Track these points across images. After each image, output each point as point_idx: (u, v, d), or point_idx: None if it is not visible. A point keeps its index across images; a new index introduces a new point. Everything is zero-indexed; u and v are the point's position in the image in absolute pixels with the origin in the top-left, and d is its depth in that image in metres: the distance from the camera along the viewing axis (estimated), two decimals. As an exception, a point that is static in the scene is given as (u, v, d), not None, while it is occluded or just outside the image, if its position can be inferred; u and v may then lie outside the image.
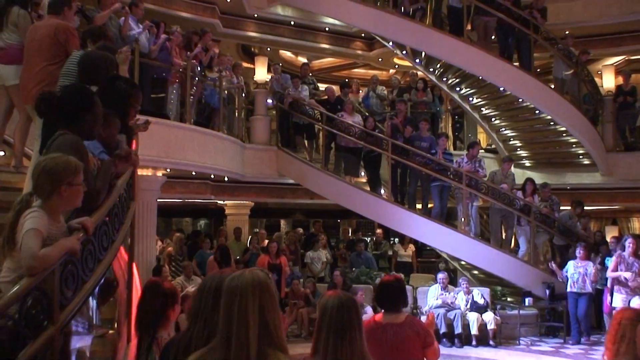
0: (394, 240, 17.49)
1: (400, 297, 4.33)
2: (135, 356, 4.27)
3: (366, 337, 3.08)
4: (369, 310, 10.82)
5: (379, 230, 16.49)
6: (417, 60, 14.90)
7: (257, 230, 17.59)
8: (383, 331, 4.17)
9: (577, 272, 11.45)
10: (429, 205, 13.17)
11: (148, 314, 4.18)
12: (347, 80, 16.64)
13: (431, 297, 11.75)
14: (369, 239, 17.43)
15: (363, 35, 17.28)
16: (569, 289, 11.54)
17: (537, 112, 13.94)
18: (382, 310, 4.37)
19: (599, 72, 16.21)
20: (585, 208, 13.94)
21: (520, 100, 13.87)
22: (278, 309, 2.44)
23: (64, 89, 4.38)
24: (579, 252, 11.60)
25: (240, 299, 2.33)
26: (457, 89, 15.15)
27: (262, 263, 11.86)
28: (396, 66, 19.19)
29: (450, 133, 16.82)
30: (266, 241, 14.89)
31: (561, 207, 13.37)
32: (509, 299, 12.78)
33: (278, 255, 12.29)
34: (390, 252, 15.56)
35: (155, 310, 4.18)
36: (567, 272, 11.59)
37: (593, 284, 11.46)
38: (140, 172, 9.99)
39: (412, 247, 15.58)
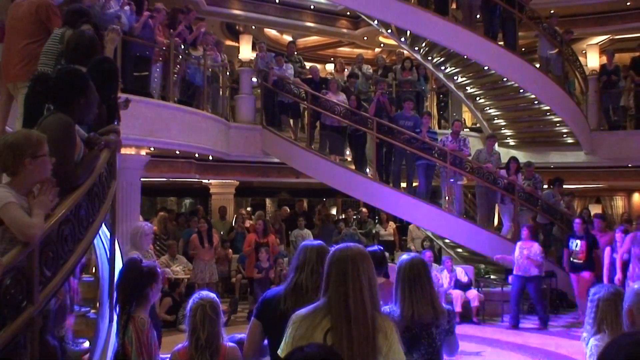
0: (379, 218, 17.54)
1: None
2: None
3: None
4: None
5: (363, 210, 16.53)
6: (402, 39, 14.85)
7: (242, 210, 17.59)
8: None
9: (521, 254, 11.08)
10: (414, 184, 13.20)
11: (125, 292, 4.19)
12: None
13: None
14: (355, 217, 17.45)
15: (348, 13, 17.23)
16: (514, 272, 11.22)
17: (521, 91, 13.98)
18: None
19: (584, 52, 16.26)
20: (569, 186, 14.02)
21: (505, 79, 13.90)
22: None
23: (60, 72, 4.33)
24: (523, 232, 11.29)
25: (353, 265, 2.86)
26: (442, 67, 15.13)
27: (250, 242, 11.79)
28: (381, 45, 19.14)
29: (435, 112, 16.82)
30: (247, 222, 14.91)
31: (544, 186, 13.43)
32: (492, 277, 12.87)
33: (265, 233, 12.17)
34: (374, 231, 15.61)
35: (133, 289, 4.19)
36: (513, 253, 11.26)
37: (538, 267, 11.00)
38: (123, 151, 9.93)
39: (392, 224, 15.64)
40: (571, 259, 11.27)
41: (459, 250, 13.39)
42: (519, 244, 11.24)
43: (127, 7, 9.77)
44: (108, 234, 5.21)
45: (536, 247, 11.04)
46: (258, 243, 11.73)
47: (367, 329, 2.79)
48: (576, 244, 11.22)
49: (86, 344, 4.70)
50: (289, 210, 16.77)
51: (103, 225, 5.09)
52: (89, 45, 5.00)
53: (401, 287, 3.80)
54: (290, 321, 2.94)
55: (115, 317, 4.72)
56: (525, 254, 10.98)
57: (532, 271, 10.99)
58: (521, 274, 11.06)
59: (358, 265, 2.88)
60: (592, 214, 13.76)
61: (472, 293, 11.50)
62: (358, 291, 2.82)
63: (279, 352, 2.94)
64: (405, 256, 3.93)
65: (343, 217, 16.72)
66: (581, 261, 11.12)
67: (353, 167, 13.16)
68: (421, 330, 3.70)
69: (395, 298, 3.83)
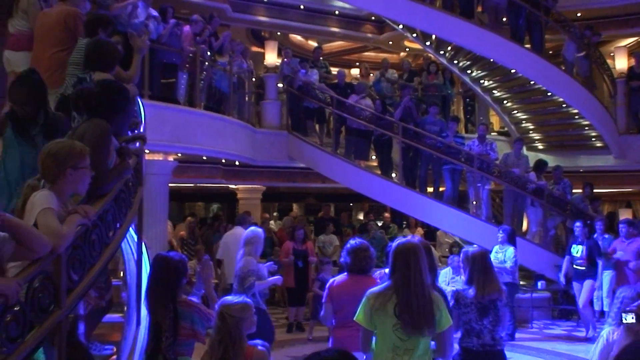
0: (406, 223, 17.45)
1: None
2: (155, 328, 4.35)
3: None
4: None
5: (386, 214, 16.48)
6: (428, 43, 14.81)
7: (266, 214, 17.70)
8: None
9: (496, 257, 10.15)
10: (440, 189, 13.13)
11: (164, 288, 4.32)
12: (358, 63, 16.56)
13: (442, 281, 11.61)
14: (381, 222, 17.42)
15: (373, 18, 17.21)
16: None
17: (549, 94, 13.85)
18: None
19: (612, 54, 16.07)
20: (599, 191, 13.85)
21: (532, 82, 13.78)
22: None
23: (101, 87, 4.37)
24: (501, 235, 10.51)
25: (413, 255, 3.94)
26: (468, 71, 15.06)
27: (287, 249, 11.60)
28: (407, 49, 19.09)
29: (461, 116, 16.75)
30: (271, 222, 14.87)
31: (573, 190, 13.29)
32: (521, 283, 12.75)
33: (304, 240, 11.94)
34: (402, 236, 15.55)
35: (173, 283, 4.33)
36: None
37: (511, 273, 10.22)
38: (151, 157, 10.06)
39: (420, 230, 15.56)
40: (574, 266, 10.67)
41: (487, 255, 13.28)
42: (495, 247, 10.56)
43: (154, 13, 9.89)
44: (136, 239, 5.27)
45: (511, 252, 10.31)
46: (296, 250, 11.54)
47: (424, 301, 3.85)
48: (577, 250, 10.60)
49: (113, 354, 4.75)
50: (298, 214, 16.70)
51: (131, 230, 5.16)
52: (102, 51, 5.07)
53: (476, 272, 5.06)
54: (365, 297, 4.01)
55: (145, 321, 4.78)
56: (500, 258, 10.23)
57: (505, 277, 9.96)
58: None
59: (417, 255, 3.95)
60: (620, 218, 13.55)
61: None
62: (418, 274, 3.89)
63: (355, 318, 4.05)
64: (471, 249, 5.29)
65: (370, 218, 16.62)
66: (583, 268, 10.49)
67: (379, 172, 13.12)
68: (489, 303, 5.01)
69: (468, 279, 5.11)
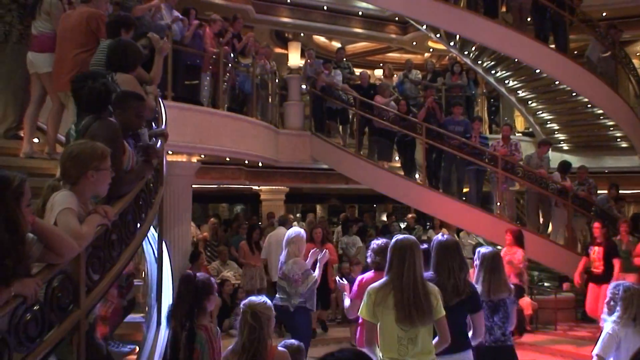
0: (430, 224, 17.35)
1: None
2: (173, 343, 4.38)
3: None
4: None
5: (410, 215, 16.39)
6: (452, 44, 14.74)
7: (290, 215, 17.68)
8: None
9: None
10: (464, 190, 13.05)
11: (185, 306, 4.34)
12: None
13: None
14: (404, 224, 17.32)
15: (397, 19, 17.20)
16: None
17: (573, 94, 13.71)
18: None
19: (637, 54, 15.87)
20: (624, 192, 13.68)
21: (557, 82, 13.65)
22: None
23: (96, 81, 4.36)
24: (507, 237, 10.02)
25: (410, 251, 4.18)
26: (493, 71, 14.96)
27: (308, 251, 11.50)
28: (431, 50, 19.04)
29: (485, 116, 16.62)
30: (294, 223, 14.88)
31: (598, 191, 13.13)
32: (545, 284, 12.64)
33: (324, 242, 11.82)
34: (424, 238, 15.46)
35: (192, 302, 4.34)
36: None
37: (518, 276, 9.79)
38: (174, 158, 10.11)
39: (445, 231, 15.45)
40: (591, 268, 10.26)
41: (511, 256, 13.17)
42: (503, 250, 9.97)
43: (178, 14, 9.96)
44: (157, 239, 5.29)
45: (520, 254, 9.83)
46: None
47: (418, 294, 4.07)
48: (594, 251, 10.25)
49: (135, 351, 4.77)
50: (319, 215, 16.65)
51: (153, 230, 5.18)
52: (124, 52, 5.12)
53: (485, 271, 5.19)
54: (366, 293, 4.25)
55: (165, 325, 4.80)
56: (507, 259, 9.47)
57: (511, 279, 9.25)
58: None
59: (413, 251, 4.20)
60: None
61: (525, 301, 11.25)
62: (412, 269, 4.13)
63: (359, 312, 4.30)
64: (483, 249, 5.39)
65: (392, 220, 16.54)
66: (599, 270, 10.05)
67: (402, 173, 13.07)
68: (499, 301, 5.17)
69: (477, 279, 5.22)
